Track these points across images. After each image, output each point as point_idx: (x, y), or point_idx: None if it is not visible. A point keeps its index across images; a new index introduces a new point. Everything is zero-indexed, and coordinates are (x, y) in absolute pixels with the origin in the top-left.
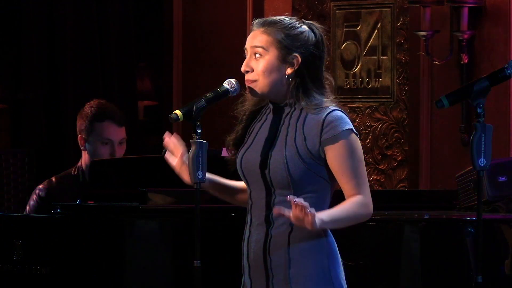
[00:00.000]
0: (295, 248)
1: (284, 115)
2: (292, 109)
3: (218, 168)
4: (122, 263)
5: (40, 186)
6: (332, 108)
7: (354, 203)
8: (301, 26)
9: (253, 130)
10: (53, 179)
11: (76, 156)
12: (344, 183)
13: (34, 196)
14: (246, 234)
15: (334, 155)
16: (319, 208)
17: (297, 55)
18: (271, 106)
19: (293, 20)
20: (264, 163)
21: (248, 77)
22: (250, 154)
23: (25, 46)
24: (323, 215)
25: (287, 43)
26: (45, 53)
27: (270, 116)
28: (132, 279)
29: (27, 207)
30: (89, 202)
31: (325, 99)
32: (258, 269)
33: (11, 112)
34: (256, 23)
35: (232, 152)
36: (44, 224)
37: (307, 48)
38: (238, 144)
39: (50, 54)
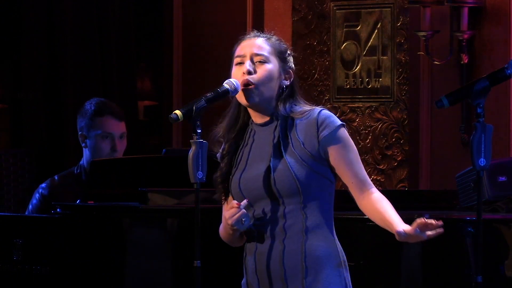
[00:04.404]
0: (310, 256)
1: (272, 129)
2: (278, 122)
3: (217, 168)
4: (122, 263)
5: (43, 185)
6: (319, 108)
7: (385, 200)
8: (285, 44)
9: (242, 154)
10: (56, 178)
11: (76, 155)
12: (350, 176)
13: (36, 195)
14: (252, 249)
15: (336, 153)
16: (325, 210)
17: (290, 69)
18: (254, 127)
19: (280, 39)
20: (268, 177)
21: (249, 78)
22: (249, 174)
23: (25, 46)
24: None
25: (284, 57)
26: (45, 53)
27: (258, 136)
28: (132, 279)
29: (30, 206)
30: (89, 202)
31: (307, 105)
32: (269, 281)
33: (11, 112)
34: (251, 35)
35: (222, 187)
36: (44, 224)
37: (292, 61)
38: (226, 179)
39: (50, 54)
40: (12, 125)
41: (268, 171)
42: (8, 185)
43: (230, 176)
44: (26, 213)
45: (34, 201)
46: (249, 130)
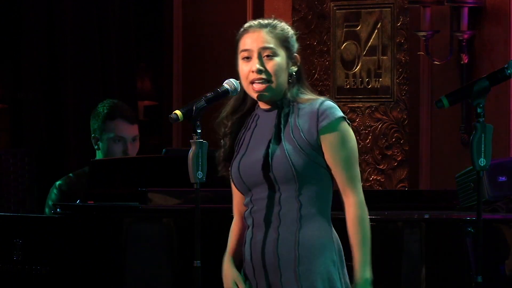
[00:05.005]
0: (304, 245)
1: (275, 115)
2: (283, 108)
3: (217, 168)
4: (122, 263)
5: (59, 182)
6: (324, 99)
7: (356, 220)
8: (289, 27)
9: (243, 139)
10: (71, 175)
11: (76, 155)
12: (337, 173)
13: (54, 191)
14: (249, 237)
15: (328, 145)
16: (322, 200)
17: (296, 54)
18: (259, 112)
19: (282, 22)
20: (266, 162)
21: (262, 76)
22: (248, 159)
23: (25, 46)
24: (364, 274)
25: (289, 44)
26: (45, 53)
27: (261, 121)
28: (132, 279)
29: (49, 202)
30: (89, 202)
31: (313, 94)
32: (263, 268)
33: (11, 112)
34: (255, 25)
35: (224, 165)
36: (44, 224)
37: (296, 44)
38: (229, 157)
39: (50, 54)
40: (12, 125)
41: (266, 156)
42: (8, 185)
43: (233, 158)
44: (46, 210)
45: (53, 196)
46: (254, 115)
